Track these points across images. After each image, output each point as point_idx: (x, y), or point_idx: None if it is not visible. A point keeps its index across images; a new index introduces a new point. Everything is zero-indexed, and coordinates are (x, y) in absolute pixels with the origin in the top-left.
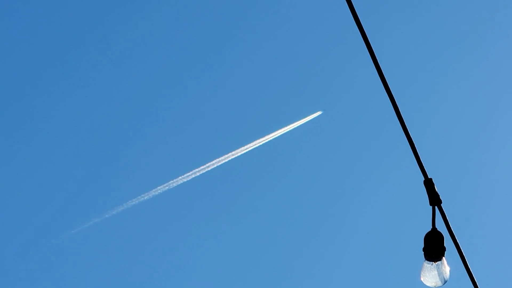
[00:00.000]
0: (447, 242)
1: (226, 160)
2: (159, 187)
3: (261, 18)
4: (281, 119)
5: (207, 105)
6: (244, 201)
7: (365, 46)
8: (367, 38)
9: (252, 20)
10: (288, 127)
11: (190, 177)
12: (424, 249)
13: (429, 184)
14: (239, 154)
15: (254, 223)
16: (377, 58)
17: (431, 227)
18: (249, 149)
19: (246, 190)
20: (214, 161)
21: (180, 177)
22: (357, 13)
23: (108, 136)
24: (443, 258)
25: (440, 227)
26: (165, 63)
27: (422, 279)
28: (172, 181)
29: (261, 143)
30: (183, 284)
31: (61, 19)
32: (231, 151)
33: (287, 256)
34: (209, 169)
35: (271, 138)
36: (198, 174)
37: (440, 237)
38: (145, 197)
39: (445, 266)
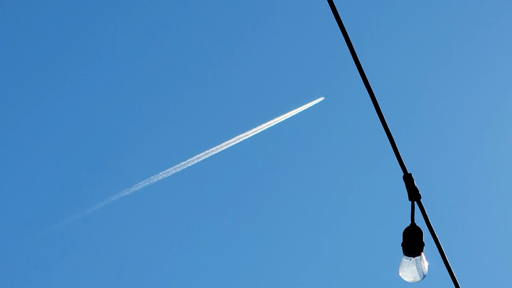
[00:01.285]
0: (426, 237)
1: (224, 148)
2: (158, 174)
3: (264, 4)
4: (283, 105)
5: (206, 92)
6: (239, 189)
7: (345, 43)
8: (347, 35)
9: (255, 6)
10: (290, 112)
11: (191, 163)
12: (402, 244)
13: (408, 179)
14: (239, 140)
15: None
16: (357, 55)
17: (410, 222)
18: (250, 135)
19: (243, 177)
20: (212, 148)
21: (182, 162)
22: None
23: (90, 132)
24: (422, 253)
25: (419, 222)
26: (155, 56)
27: (400, 274)
28: (178, 165)
29: (261, 130)
30: (166, 279)
31: (37, 16)
32: (232, 137)
33: (265, 250)
34: (207, 156)
35: (270, 125)
36: (195, 162)
37: (419, 232)
38: (138, 187)
39: (423, 261)
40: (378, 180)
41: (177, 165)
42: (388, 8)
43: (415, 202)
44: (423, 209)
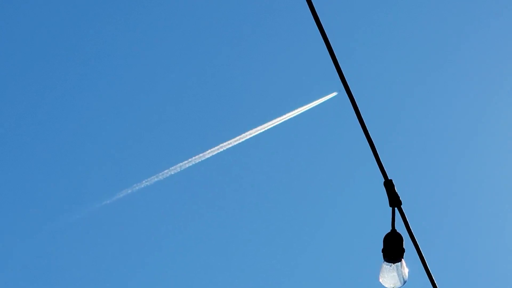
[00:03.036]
0: (407, 243)
1: (236, 144)
2: (173, 167)
3: None
4: (296, 100)
5: (218, 85)
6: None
7: (326, 47)
8: (326, 36)
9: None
10: (303, 107)
11: (206, 157)
12: (383, 250)
13: (389, 185)
14: (250, 136)
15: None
16: (338, 60)
17: (391, 228)
18: (264, 129)
19: (251, 173)
20: (224, 144)
21: (198, 155)
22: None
23: (88, 131)
24: (402, 259)
25: (400, 228)
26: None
27: (380, 280)
28: (195, 157)
29: (274, 125)
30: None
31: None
32: (243, 132)
33: (240, 257)
34: (219, 151)
35: (284, 120)
36: (209, 156)
37: (400, 238)
38: (153, 180)
39: (404, 267)
40: (359, 186)
41: (207, 151)
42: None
43: (395, 208)
44: (404, 215)
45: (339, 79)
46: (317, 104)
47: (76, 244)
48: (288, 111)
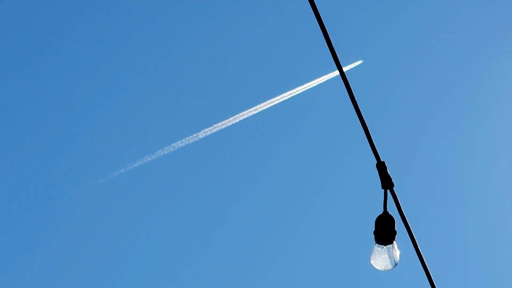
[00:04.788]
0: (399, 225)
1: (227, 125)
2: (185, 138)
3: None
4: (321, 68)
5: (246, 51)
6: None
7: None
8: (320, 17)
9: None
10: (327, 76)
11: (199, 137)
12: (375, 232)
13: (381, 167)
14: (278, 101)
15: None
16: (332, 43)
17: (383, 210)
18: (288, 96)
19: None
20: (217, 124)
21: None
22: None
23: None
24: (394, 241)
25: (392, 210)
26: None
27: (372, 262)
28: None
29: (266, 107)
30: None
31: None
32: (233, 115)
33: (232, 239)
34: (212, 132)
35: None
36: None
37: (391, 220)
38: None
39: (395, 249)
40: (351, 168)
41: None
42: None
43: (388, 190)
44: (396, 197)
45: (333, 62)
46: (311, 86)
47: (72, 221)
48: (281, 93)
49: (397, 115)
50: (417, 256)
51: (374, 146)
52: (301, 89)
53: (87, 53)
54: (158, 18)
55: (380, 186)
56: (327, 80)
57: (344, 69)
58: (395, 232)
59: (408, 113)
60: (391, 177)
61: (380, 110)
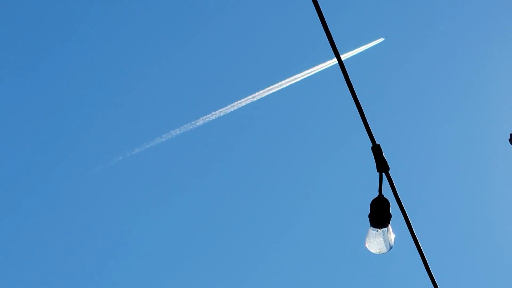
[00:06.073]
0: (394, 209)
1: (228, 112)
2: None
3: None
4: (320, 56)
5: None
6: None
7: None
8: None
9: None
10: (350, 52)
11: (198, 124)
12: (370, 216)
13: (377, 150)
14: (276, 89)
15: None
16: (329, 28)
17: (378, 193)
18: (256, 98)
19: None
20: (216, 112)
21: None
22: None
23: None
24: (389, 225)
25: (387, 194)
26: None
27: (367, 245)
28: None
29: (266, 94)
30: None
31: None
32: (269, 85)
33: (230, 222)
34: (210, 119)
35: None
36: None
37: (386, 204)
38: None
39: (390, 233)
40: (346, 150)
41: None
42: None
43: (383, 173)
44: (391, 181)
45: (330, 48)
46: (309, 73)
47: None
48: (280, 80)
49: (393, 98)
50: (412, 240)
51: (369, 129)
52: (300, 77)
53: (86, 42)
54: (158, 5)
55: (376, 169)
56: (326, 68)
57: (365, 47)
58: (390, 216)
59: (404, 97)
60: (387, 160)
61: (376, 94)
